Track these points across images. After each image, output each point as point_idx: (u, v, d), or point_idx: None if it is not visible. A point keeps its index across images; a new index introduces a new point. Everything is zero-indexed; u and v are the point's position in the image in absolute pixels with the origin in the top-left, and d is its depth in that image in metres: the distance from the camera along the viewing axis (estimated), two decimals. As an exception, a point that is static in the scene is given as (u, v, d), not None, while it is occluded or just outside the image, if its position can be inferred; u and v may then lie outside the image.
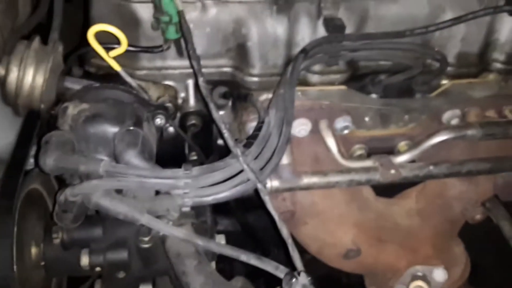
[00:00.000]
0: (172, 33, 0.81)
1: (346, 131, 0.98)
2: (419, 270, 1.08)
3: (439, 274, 1.06)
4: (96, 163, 0.66)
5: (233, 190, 0.68)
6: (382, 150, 1.06)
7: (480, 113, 1.00)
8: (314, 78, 0.99)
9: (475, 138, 0.93)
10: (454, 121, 1.01)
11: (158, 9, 0.78)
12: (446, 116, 1.00)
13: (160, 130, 0.84)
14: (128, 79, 0.81)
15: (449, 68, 1.03)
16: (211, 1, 0.89)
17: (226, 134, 0.68)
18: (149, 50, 0.85)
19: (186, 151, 0.99)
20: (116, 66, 0.79)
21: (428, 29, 0.89)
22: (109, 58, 0.77)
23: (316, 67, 0.98)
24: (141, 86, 0.87)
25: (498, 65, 1.07)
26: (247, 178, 0.68)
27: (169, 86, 0.95)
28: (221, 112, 1.05)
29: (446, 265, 1.09)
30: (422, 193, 1.06)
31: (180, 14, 0.76)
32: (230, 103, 0.99)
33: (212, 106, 0.69)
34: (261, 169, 0.71)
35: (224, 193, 0.68)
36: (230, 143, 0.68)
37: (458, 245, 1.13)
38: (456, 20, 0.90)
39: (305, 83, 1.01)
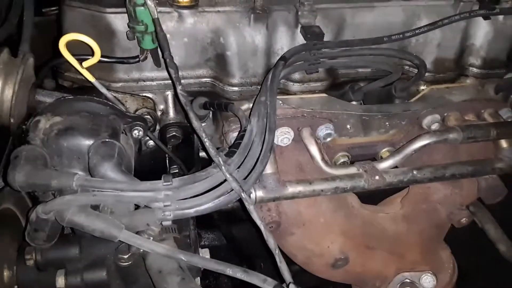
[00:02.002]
0: (148, 43, 0.79)
1: (328, 139, 0.97)
2: (407, 276, 1.07)
3: (427, 280, 1.05)
4: (69, 177, 0.62)
5: (216, 201, 0.66)
6: (365, 157, 1.06)
7: (460, 117, 1.01)
8: (294, 86, 0.99)
9: (457, 141, 0.93)
10: (435, 126, 1.02)
11: (133, 18, 0.76)
12: (426, 121, 1.00)
13: (139, 142, 0.81)
14: (103, 90, 0.79)
15: (426, 74, 1.04)
16: (188, 11, 0.88)
17: (207, 143, 0.66)
18: (124, 60, 0.83)
19: (167, 164, 0.96)
20: (90, 77, 0.76)
21: (404, 35, 0.90)
22: (83, 68, 0.74)
23: (296, 76, 0.98)
24: (117, 98, 0.84)
25: (475, 70, 1.08)
26: (230, 188, 0.66)
27: (147, 98, 0.92)
28: (202, 124, 1.03)
29: (434, 270, 1.08)
30: (407, 199, 1.06)
31: (155, 22, 0.74)
32: (210, 114, 0.98)
33: (192, 115, 0.67)
34: (245, 178, 0.69)
35: (206, 205, 0.66)
36: (212, 152, 0.66)
37: (444, 249, 1.13)
38: (432, 26, 0.91)
39: (286, 91, 1.01)
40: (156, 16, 0.74)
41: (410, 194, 1.05)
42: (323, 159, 0.93)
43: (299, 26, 0.90)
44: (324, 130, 0.96)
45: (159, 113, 0.96)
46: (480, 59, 1.07)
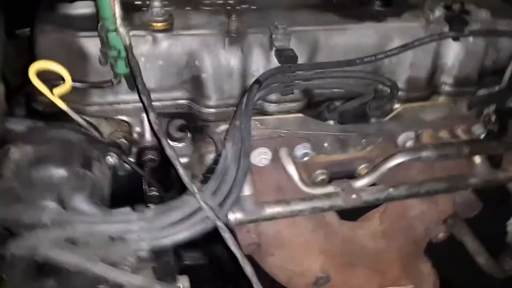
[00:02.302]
0: (121, 68, 0.79)
1: (306, 158, 0.98)
2: (389, 292, 1.08)
3: (408, 296, 1.07)
4: (40, 212, 0.61)
5: (192, 229, 0.66)
6: (343, 174, 1.07)
7: (433, 134, 1.04)
8: (271, 107, 0.99)
9: (430, 159, 0.95)
10: (409, 143, 1.04)
11: (105, 43, 0.76)
12: (401, 138, 1.02)
13: (113, 168, 0.80)
14: (75, 116, 0.77)
15: (400, 93, 1.06)
16: (162, 34, 0.87)
17: (180, 170, 0.65)
18: (98, 85, 0.82)
19: (145, 187, 0.95)
20: (61, 104, 0.75)
21: (376, 57, 0.92)
22: (54, 96, 0.73)
23: (273, 97, 0.98)
24: (91, 123, 0.83)
25: (447, 88, 1.11)
26: (206, 216, 0.65)
27: (122, 121, 0.91)
28: (180, 144, 1.03)
29: (416, 285, 1.09)
30: (385, 215, 1.07)
31: (127, 48, 0.73)
32: (189, 134, 0.97)
33: (164, 142, 0.67)
34: (220, 204, 0.69)
35: (182, 234, 0.65)
36: (186, 180, 0.66)
37: (425, 263, 1.14)
38: (403, 48, 0.93)
39: (262, 112, 1.01)
40: (128, 43, 0.74)
41: (388, 210, 1.06)
42: (301, 178, 0.93)
43: (273, 48, 0.91)
44: (301, 149, 0.97)
45: (135, 136, 0.95)
46: (452, 77, 1.10)
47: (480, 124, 1.09)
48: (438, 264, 1.15)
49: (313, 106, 1.09)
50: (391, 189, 0.95)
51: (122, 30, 0.72)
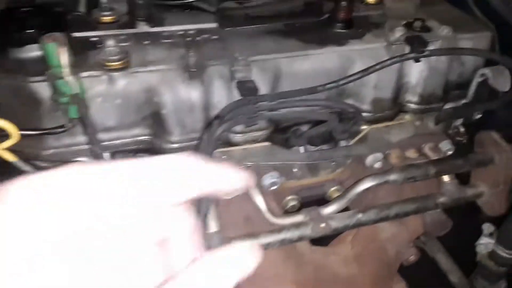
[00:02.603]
0: (74, 113, 0.76)
1: (274, 187, 0.97)
2: (364, 316, 1.08)
3: (383, 318, 1.07)
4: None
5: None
6: (314, 198, 1.07)
7: (401, 154, 1.04)
8: (236, 138, 0.98)
9: (397, 182, 0.95)
10: (377, 164, 1.04)
11: (55, 90, 0.73)
12: (368, 160, 1.03)
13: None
14: (26, 168, 0.75)
15: (366, 114, 1.06)
16: (118, 72, 0.85)
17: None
18: (50, 132, 0.79)
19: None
20: (10, 157, 0.72)
21: (338, 84, 0.91)
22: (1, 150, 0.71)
23: (237, 127, 0.97)
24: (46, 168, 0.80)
25: (413, 106, 1.11)
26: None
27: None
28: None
29: (390, 306, 1.10)
30: (356, 239, 1.07)
31: (76, 98, 0.71)
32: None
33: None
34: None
35: None
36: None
37: (399, 283, 1.14)
38: (364, 72, 0.93)
39: (228, 143, 1.00)
40: (78, 92, 0.71)
41: (359, 234, 1.06)
42: (269, 209, 0.92)
43: (234, 81, 0.90)
44: (269, 179, 0.96)
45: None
46: (417, 95, 1.10)
47: (448, 140, 1.09)
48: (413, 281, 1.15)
49: (281, 131, 1.08)
50: (360, 215, 0.95)
51: (69, 78, 0.69)
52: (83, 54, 0.89)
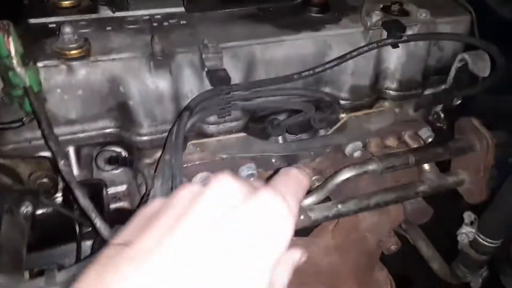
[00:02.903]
0: (29, 106, 0.70)
1: (252, 179, 0.93)
2: (345, 306, 1.05)
3: (364, 309, 1.05)
4: None
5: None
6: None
7: (380, 142, 1.01)
8: (210, 129, 0.93)
9: (377, 172, 0.92)
10: (357, 153, 1.01)
11: (7, 83, 0.67)
12: (348, 149, 0.99)
13: (31, 216, 0.72)
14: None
15: (344, 102, 1.03)
16: (78, 62, 0.79)
17: (98, 224, 0.59)
18: (6, 126, 0.73)
19: (76, 226, 0.87)
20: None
21: (315, 71, 0.87)
22: None
23: (211, 118, 0.92)
24: (4, 166, 0.74)
25: (392, 93, 1.08)
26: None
27: (43, 158, 0.83)
28: (118, 171, 0.95)
29: (371, 296, 1.08)
30: (337, 228, 1.04)
31: (28, 91, 0.65)
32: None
33: (78, 193, 0.60)
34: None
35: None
36: (105, 233, 0.59)
37: (381, 270, 1.12)
38: (341, 59, 0.89)
39: (202, 134, 0.95)
40: (28, 84, 0.65)
41: (339, 224, 1.04)
42: (245, 203, 0.88)
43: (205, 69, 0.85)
44: (246, 170, 0.92)
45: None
46: (395, 81, 1.07)
47: (427, 127, 1.07)
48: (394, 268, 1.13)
49: (258, 120, 1.04)
50: (339, 206, 0.92)
51: (20, 70, 0.63)
52: (40, 42, 0.82)
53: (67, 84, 0.80)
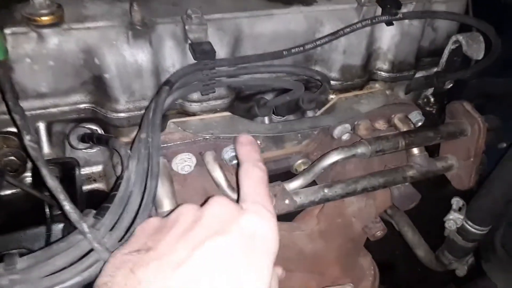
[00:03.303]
0: (-6, 76, 0.64)
1: (235, 161, 0.88)
2: (328, 292, 1.04)
3: (348, 294, 1.03)
4: None
5: (85, 273, 0.55)
6: (280, 171, 0.99)
7: (370, 125, 0.98)
8: (192, 107, 0.88)
9: (365, 156, 0.89)
10: (345, 136, 0.97)
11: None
12: (336, 132, 0.96)
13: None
14: None
15: (334, 82, 0.98)
16: (49, 29, 0.72)
17: (67, 206, 0.54)
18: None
19: (46, 209, 0.82)
20: None
21: (305, 48, 0.82)
22: None
23: (194, 95, 0.87)
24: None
25: (383, 74, 1.04)
26: (100, 258, 0.55)
27: (10, 134, 0.77)
28: (93, 150, 0.90)
29: (355, 281, 1.06)
30: (322, 213, 1.02)
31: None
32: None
33: (45, 172, 0.54)
34: (120, 240, 0.58)
35: (72, 281, 0.54)
36: (74, 217, 0.54)
37: (365, 256, 1.11)
38: (333, 36, 0.84)
39: (184, 112, 0.90)
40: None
41: (325, 208, 1.01)
42: (229, 185, 0.84)
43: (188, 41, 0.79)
44: (229, 152, 0.87)
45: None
46: (388, 62, 1.03)
47: (418, 111, 1.03)
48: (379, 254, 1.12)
49: (244, 99, 0.99)
50: (326, 190, 0.89)
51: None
52: (9, 8, 0.75)
53: (37, 53, 0.73)
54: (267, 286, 0.46)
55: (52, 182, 0.55)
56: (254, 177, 0.59)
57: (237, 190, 0.61)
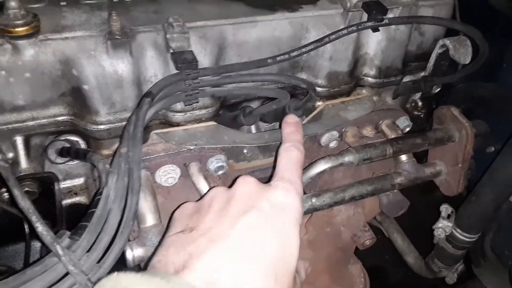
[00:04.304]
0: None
1: (221, 172, 0.86)
2: (319, 301, 1.02)
3: (338, 303, 1.02)
4: None
5: (62, 297, 0.52)
6: (266, 180, 0.97)
7: (357, 132, 0.96)
8: (176, 117, 0.86)
9: (353, 164, 0.88)
10: (333, 144, 0.96)
11: None
12: (324, 139, 0.94)
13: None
14: None
15: (321, 89, 0.97)
16: (25, 40, 0.70)
17: (39, 228, 0.51)
18: None
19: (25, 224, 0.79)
20: None
21: (290, 55, 0.80)
22: None
23: (177, 105, 0.85)
24: None
25: (370, 80, 1.03)
26: (77, 282, 0.52)
27: (-14, 150, 0.74)
28: (74, 162, 0.87)
29: (346, 289, 1.05)
30: (311, 223, 1.00)
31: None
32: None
33: (17, 193, 0.52)
34: (99, 262, 0.56)
35: (49, 305, 0.52)
36: (47, 239, 0.52)
37: (355, 263, 1.09)
38: (319, 43, 0.82)
39: (167, 122, 0.88)
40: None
41: (313, 218, 0.99)
42: (215, 196, 0.82)
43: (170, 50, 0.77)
44: (215, 163, 0.85)
45: (7, 164, 0.78)
46: (374, 68, 1.02)
47: (405, 116, 1.02)
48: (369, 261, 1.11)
49: (230, 107, 0.97)
50: (314, 199, 0.87)
51: None
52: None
53: (13, 65, 0.71)
54: (296, 252, 0.55)
55: (23, 203, 0.52)
56: (291, 156, 0.67)
57: (273, 165, 0.68)
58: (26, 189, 0.76)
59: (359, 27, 0.87)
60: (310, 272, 0.99)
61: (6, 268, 0.72)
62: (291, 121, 0.75)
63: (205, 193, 0.63)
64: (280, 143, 0.73)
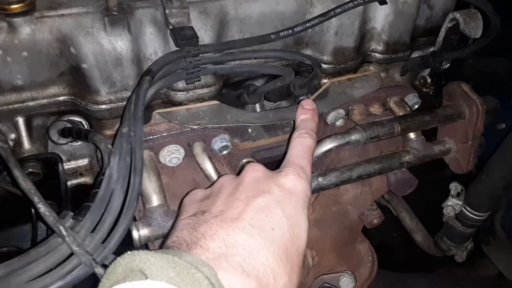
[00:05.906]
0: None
1: (226, 152, 0.85)
2: (326, 280, 1.02)
3: (346, 282, 1.01)
4: None
5: (67, 278, 0.52)
6: (272, 159, 0.96)
7: (364, 110, 0.94)
8: (178, 96, 0.84)
9: (360, 143, 0.86)
10: (339, 122, 0.94)
11: None
12: (330, 117, 0.92)
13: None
14: None
15: (327, 66, 0.94)
16: (21, 18, 0.68)
17: (42, 209, 0.50)
18: None
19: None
20: None
21: (294, 30, 0.78)
22: None
23: (179, 84, 0.83)
24: None
25: (378, 55, 1.00)
26: (81, 262, 0.52)
27: (-12, 131, 0.73)
28: (78, 143, 0.86)
29: (353, 267, 1.04)
30: (317, 202, 0.99)
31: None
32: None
33: (17, 174, 0.51)
34: (103, 242, 0.55)
35: (54, 285, 0.51)
36: (50, 220, 0.51)
37: (362, 242, 1.08)
38: (323, 17, 0.79)
39: (169, 102, 0.86)
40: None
41: (320, 197, 0.98)
42: (219, 176, 0.81)
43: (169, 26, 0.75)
44: (219, 142, 0.84)
45: (10, 145, 0.77)
46: (382, 43, 0.99)
47: (414, 93, 1.00)
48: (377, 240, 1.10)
49: (233, 86, 0.95)
50: (320, 179, 0.86)
51: None
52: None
53: (9, 44, 0.69)
54: (305, 235, 0.58)
55: (24, 184, 0.51)
56: (303, 143, 0.68)
57: (285, 150, 0.69)
58: (30, 170, 0.75)
59: (365, 0, 0.83)
60: (317, 250, 0.98)
61: (16, 249, 0.72)
62: (308, 107, 0.75)
63: (214, 181, 0.65)
64: (294, 128, 0.73)
